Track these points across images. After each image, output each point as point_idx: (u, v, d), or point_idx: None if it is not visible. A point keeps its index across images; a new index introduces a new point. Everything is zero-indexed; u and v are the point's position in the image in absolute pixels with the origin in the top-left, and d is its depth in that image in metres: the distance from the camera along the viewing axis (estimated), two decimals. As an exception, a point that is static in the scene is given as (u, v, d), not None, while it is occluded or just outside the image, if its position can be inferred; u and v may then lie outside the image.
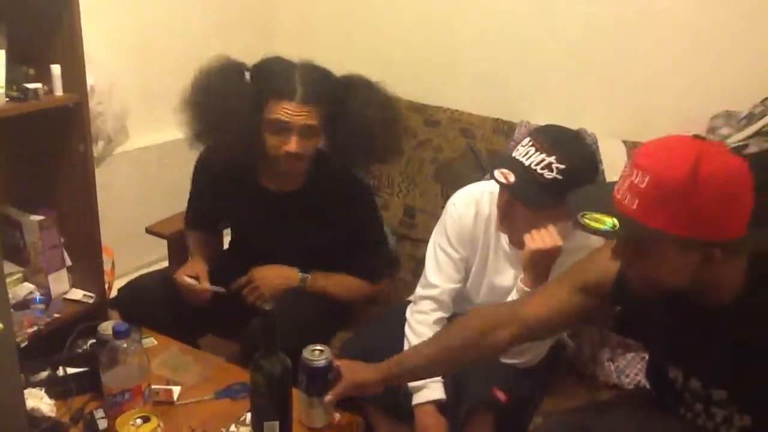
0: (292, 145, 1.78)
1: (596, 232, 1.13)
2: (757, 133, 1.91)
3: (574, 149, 1.57)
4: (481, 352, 1.48)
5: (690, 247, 1.10)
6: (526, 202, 1.58)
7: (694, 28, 2.19)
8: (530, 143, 1.57)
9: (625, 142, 2.24)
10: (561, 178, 1.52)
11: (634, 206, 1.09)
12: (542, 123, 2.26)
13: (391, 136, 1.96)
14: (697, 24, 2.18)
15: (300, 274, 1.96)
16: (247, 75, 1.88)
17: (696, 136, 1.12)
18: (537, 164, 1.54)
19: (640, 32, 2.27)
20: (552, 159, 1.53)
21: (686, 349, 1.29)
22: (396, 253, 2.47)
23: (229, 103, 1.82)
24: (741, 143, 1.94)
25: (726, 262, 1.11)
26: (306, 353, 1.50)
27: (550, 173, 1.53)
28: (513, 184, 1.55)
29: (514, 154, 1.59)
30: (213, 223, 2.20)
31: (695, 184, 1.04)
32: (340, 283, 2.01)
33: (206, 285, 1.94)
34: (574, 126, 2.28)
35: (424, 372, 1.58)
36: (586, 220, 1.14)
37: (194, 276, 1.95)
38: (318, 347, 1.53)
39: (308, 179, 1.95)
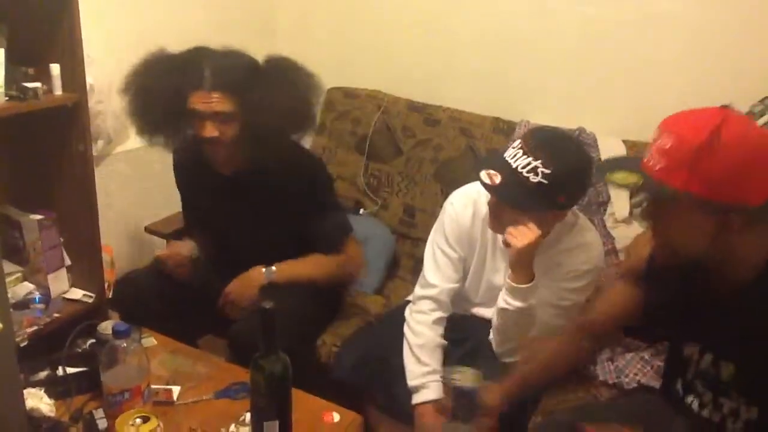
0: (206, 130, 1.83)
1: (622, 185, 1.18)
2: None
3: (562, 154, 1.56)
4: (570, 365, 1.63)
5: (707, 209, 1.14)
6: (510, 204, 1.59)
7: (693, 28, 2.19)
8: (520, 145, 1.57)
9: (624, 141, 2.25)
10: (546, 183, 1.53)
11: (658, 167, 1.16)
12: (542, 122, 2.28)
13: (302, 112, 1.94)
14: (697, 24, 2.18)
15: (264, 270, 1.95)
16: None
17: (724, 106, 1.18)
18: (523, 167, 1.54)
19: (640, 32, 2.27)
20: (538, 163, 1.53)
21: (704, 322, 1.30)
22: (397, 252, 2.48)
23: (153, 93, 1.88)
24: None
25: (745, 232, 1.15)
26: (453, 374, 1.49)
27: (535, 177, 1.53)
28: (498, 185, 1.56)
29: (504, 155, 1.60)
30: (195, 227, 2.18)
31: (715, 146, 1.10)
32: (307, 264, 1.99)
33: (176, 248, 2.00)
34: (573, 125, 2.29)
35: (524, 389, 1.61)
36: (613, 177, 1.24)
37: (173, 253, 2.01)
38: (466, 369, 1.51)
39: (252, 158, 1.94)
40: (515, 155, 1.57)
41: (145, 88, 1.89)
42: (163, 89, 1.86)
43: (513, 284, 1.62)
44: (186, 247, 2.03)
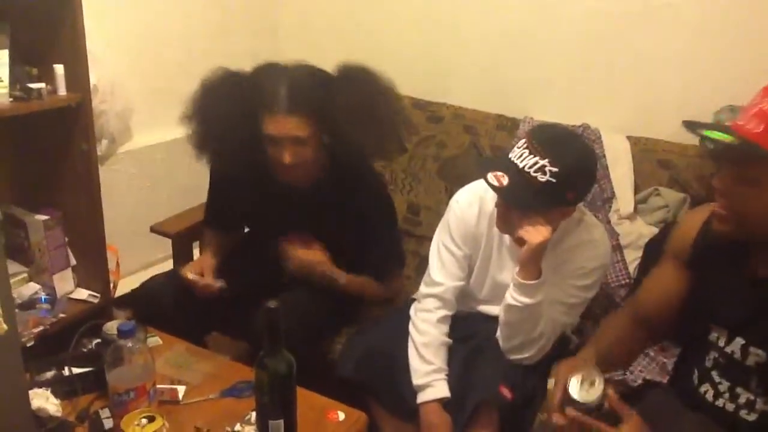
0: (285, 157, 1.79)
1: (719, 142, 1.16)
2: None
3: (568, 151, 1.56)
4: (631, 355, 1.59)
5: None
6: (520, 206, 1.58)
7: (697, 22, 2.18)
8: (525, 145, 1.56)
9: (629, 137, 2.24)
10: (554, 181, 1.52)
11: (759, 129, 1.13)
12: (546, 119, 2.28)
13: (386, 129, 1.90)
14: (700, 18, 2.18)
15: (339, 274, 1.95)
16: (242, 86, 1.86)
17: None
18: (530, 167, 1.53)
19: (644, 27, 2.26)
20: (545, 162, 1.52)
21: (744, 306, 1.29)
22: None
23: (224, 119, 1.83)
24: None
25: None
26: (574, 388, 1.36)
27: (543, 176, 1.52)
28: (506, 187, 1.55)
29: (510, 155, 1.59)
30: (232, 223, 2.18)
31: None
32: (371, 286, 2.02)
33: (209, 280, 1.93)
34: (577, 121, 2.29)
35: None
36: (708, 133, 1.18)
37: (199, 272, 1.95)
38: (589, 380, 1.37)
39: (326, 176, 1.95)
40: (521, 155, 1.56)
41: (215, 113, 1.84)
42: (235, 114, 1.82)
43: (521, 281, 1.61)
44: (217, 283, 1.94)
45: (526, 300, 1.61)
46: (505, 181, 1.55)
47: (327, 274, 1.93)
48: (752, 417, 1.29)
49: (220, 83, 1.87)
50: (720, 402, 1.33)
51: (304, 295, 1.91)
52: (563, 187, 1.54)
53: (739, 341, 1.29)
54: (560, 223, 1.68)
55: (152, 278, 2.05)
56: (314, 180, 1.94)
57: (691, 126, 1.24)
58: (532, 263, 1.60)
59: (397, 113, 1.92)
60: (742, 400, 1.30)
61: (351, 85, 1.86)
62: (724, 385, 1.33)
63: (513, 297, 1.63)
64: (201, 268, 1.97)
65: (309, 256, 1.93)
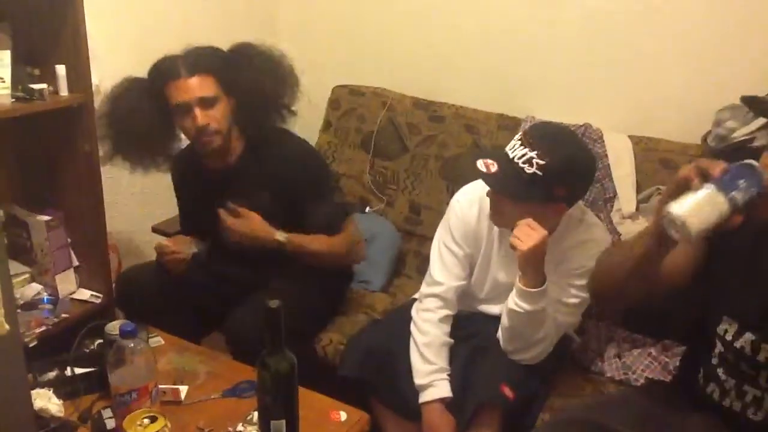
0: (197, 118, 1.82)
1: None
2: (764, 126, 1.90)
3: (558, 146, 1.56)
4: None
5: None
6: (504, 193, 1.60)
7: (698, 21, 2.18)
8: (519, 138, 1.58)
9: (631, 136, 2.24)
10: (540, 174, 1.53)
11: None
12: (548, 118, 2.27)
13: (284, 92, 1.96)
14: (702, 17, 2.17)
15: (277, 234, 1.90)
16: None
17: None
18: (519, 158, 1.55)
19: (645, 26, 2.26)
20: (534, 154, 1.53)
21: (760, 302, 1.26)
22: (402, 250, 2.47)
23: (136, 116, 1.88)
24: (747, 137, 1.93)
25: None
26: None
27: (530, 168, 1.53)
28: (493, 174, 1.57)
29: (506, 148, 1.60)
30: (198, 228, 2.15)
31: None
32: (315, 240, 1.94)
33: (180, 247, 1.98)
34: (579, 121, 2.28)
35: None
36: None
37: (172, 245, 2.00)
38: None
39: (245, 151, 1.98)
40: (513, 146, 1.58)
41: (126, 115, 1.89)
42: (144, 107, 1.88)
43: (523, 288, 1.61)
44: (187, 244, 2.01)
45: (528, 307, 1.61)
46: (494, 168, 1.57)
47: (267, 238, 1.89)
48: (759, 417, 1.29)
49: (120, 89, 1.92)
50: (727, 402, 1.33)
51: (288, 289, 1.86)
52: (550, 181, 1.54)
53: (749, 336, 1.29)
54: (558, 221, 1.68)
55: (132, 270, 2.09)
56: (236, 158, 1.97)
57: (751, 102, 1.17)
58: (531, 269, 1.59)
59: (290, 77, 1.96)
60: (748, 398, 1.30)
61: (247, 50, 1.93)
62: (729, 383, 1.32)
63: (516, 303, 1.62)
64: (172, 240, 2.02)
65: (243, 225, 1.90)
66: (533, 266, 1.59)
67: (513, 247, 1.59)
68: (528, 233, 1.56)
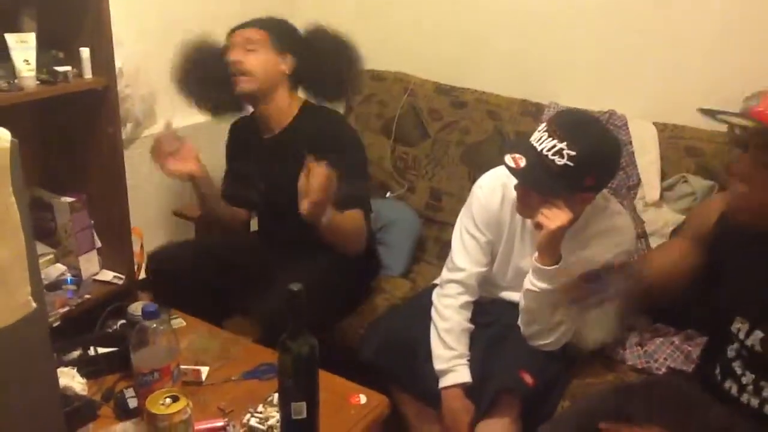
0: (232, 54, 1.94)
1: (739, 126, 1.12)
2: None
3: (587, 135, 1.54)
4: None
5: None
6: (535, 188, 1.57)
7: (727, 5, 2.14)
8: (545, 128, 1.55)
9: (655, 123, 2.21)
10: (571, 165, 1.50)
11: None
12: (571, 105, 2.25)
13: (349, 72, 2.07)
14: (731, 1, 2.13)
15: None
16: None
17: None
18: (548, 150, 1.52)
19: (671, 10, 2.22)
20: (563, 145, 1.50)
21: (763, 299, 1.27)
22: (423, 235, 2.47)
23: (208, 66, 2.03)
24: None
25: None
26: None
27: (561, 159, 1.51)
28: (523, 169, 1.54)
29: (531, 139, 1.58)
30: (239, 195, 2.19)
31: None
32: (349, 217, 1.89)
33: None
34: (603, 107, 2.26)
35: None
36: (728, 118, 1.14)
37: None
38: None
39: (294, 121, 2.03)
40: (540, 138, 1.55)
41: (198, 63, 2.05)
42: (212, 54, 2.03)
43: (539, 266, 1.60)
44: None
45: (544, 285, 1.60)
46: (523, 163, 1.54)
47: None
48: None
49: (196, 44, 2.07)
50: (745, 398, 1.31)
51: (312, 275, 1.87)
52: (581, 172, 1.52)
53: (759, 334, 1.28)
54: (583, 209, 1.67)
55: (165, 248, 2.11)
56: (284, 128, 2.03)
57: (709, 112, 1.22)
58: (551, 248, 1.59)
59: (356, 59, 2.07)
60: (766, 393, 1.28)
61: (319, 32, 2.06)
62: (747, 377, 1.31)
63: (531, 282, 1.63)
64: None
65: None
66: (552, 245, 1.58)
67: (537, 226, 1.58)
68: (556, 213, 1.55)
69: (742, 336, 1.30)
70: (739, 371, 1.31)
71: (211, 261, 2.01)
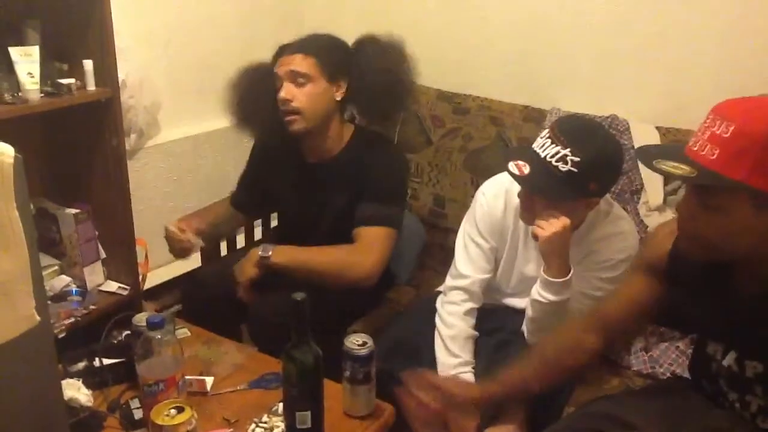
0: (281, 91, 1.86)
1: (674, 176, 1.12)
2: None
3: (590, 141, 1.54)
4: (577, 361, 1.47)
5: (764, 204, 1.08)
6: (541, 194, 1.58)
7: (729, 8, 2.13)
8: (548, 135, 1.55)
9: (658, 128, 2.20)
10: (576, 171, 1.51)
11: (714, 156, 1.08)
12: (573, 110, 2.25)
13: (399, 91, 1.98)
14: (732, 4, 2.13)
15: (261, 248, 1.89)
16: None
17: None
18: (552, 156, 1.52)
19: (673, 14, 2.22)
20: (567, 151, 1.51)
21: (728, 321, 1.26)
22: (427, 242, 2.47)
23: (255, 89, 1.96)
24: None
25: None
26: (348, 342, 1.49)
27: (565, 165, 1.51)
28: (527, 176, 1.54)
29: (533, 146, 1.58)
30: (255, 201, 2.21)
31: None
32: (310, 251, 1.88)
33: (189, 236, 1.98)
34: (605, 112, 2.26)
35: (522, 389, 1.49)
36: (663, 166, 1.13)
37: (182, 229, 2.00)
38: (360, 336, 1.52)
39: (345, 149, 1.99)
40: (543, 145, 1.55)
41: (248, 83, 1.98)
42: (261, 81, 1.95)
43: (547, 278, 1.60)
44: (194, 239, 2.02)
45: (553, 297, 1.60)
46: (527, 169, 1.55)
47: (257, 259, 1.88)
48: None
49: (254, 67, 2.00)
50: (737, 410, 1.31)
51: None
52: (585, 178, 1.52)
53: (733, 354, 1.27)
54: (587, 214, 1.66)
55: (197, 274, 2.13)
56: (333, 156, 1.98)
57: (644, 157, 1.20)
58: (554, 258, 1.59)
59: (406, 77, 1.98)
60: (753, 407, 1.28)
61: (369, 48, 1.95)
62: (733, 395, 1.31)
63: (539, 293, 1.62)
64: (184, 225, 2.01)
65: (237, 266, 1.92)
66: (556, 254, 1.58)
67: (534, 236, 1.59)
68: (549, 221, 1.56)
69: (719, 357, 1.30)
70: (724, 388, 1.31)
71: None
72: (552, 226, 1.55)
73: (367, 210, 1.90)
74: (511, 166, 1.56)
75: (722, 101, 1.15)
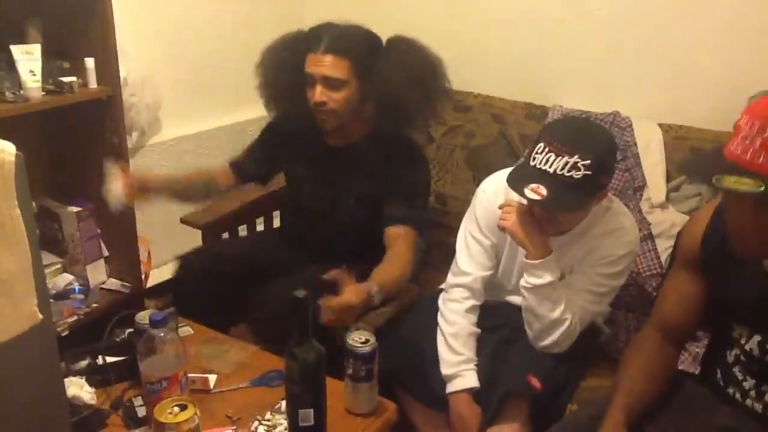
0: (315, 94, 1.86)
1: (743, 193, 1.11)
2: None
3: (590, 141, 1.54)
4: (668, 380, 1.45)
5: None
6: (569, 209, 1.60)
7: (730, 5, 2.13)
8: (546, 149, 1.53)
9: (660, 124, 2.20)
10: (591, 173, 1.51)
11: (761, 160, 1.07)
12: (575, 107, 2.25)
13: (422, 99, 1.94)
14: (734, 1, 2.12)
15: (367, 290, 1.68)
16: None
17: None
18: (563, 169, 1.51)
19: (675, 10, 2.21)
20: (575, 159, 1.50)
21: (760, 302, 1.26)
22: (429, 240, 2.46)
23: (278, 66, 1.96)
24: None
25: None
26: (350, 340, 1.49)
27: (578, 173, 1.50)
28: (548, 197, 1.52)
29: (534, 164, 1.55)
30: (257, 171, 2.18)
31: None
32: (393, 264, 1.83)
33: (119, 184, 1.86)
34: (608, 109, 2.25)
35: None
36: (725, 183, 1.11)
37: (127, 175, 1.92)
38: (362, 333, 1.52)
39: (364, 136, 1.99)
40: (547, 161, 1.53)
41: (273, 61, 1.98)
42: (287, 60, 1.94)
43: (525, 260, 1.64)
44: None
45: (535, 281, 1.62)
46: (544, 191, 1.52)
47: (367, 302, 1.70)
48: None
49: (283, 37, 1.99)
50: (748, 402, 1.31)
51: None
52: (598, 175, 1.53)
53: (756, 338, 1.27)
54: (591, 208, 1.67)
55: (185, 259, 2.07)
56: (353, 142, 1.99)
57: (705, 175, 1.19)
58: (527, 241, 1.63)
59: (433, 84, 1.96)
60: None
61: (399, 50, 1.93)
62: (749, 383, 1.30)
63: (525, 279, 1.65)
64: (132, 176, 1.93)
65: (340, 303, 1.61)
66: (529, 239, 1.63)
67: (502, 229, 1.67)
68: (508, 211, 1.65)
69: (743, 341, 1.30)
70: (740, 376, 1.31)
71: (236, 266, 2.01)
72: (511, 215, 1.64)
73: (398, 209, 1.93)
74: (528, 192, 1.54)
75: (756, 102, 1.14)
